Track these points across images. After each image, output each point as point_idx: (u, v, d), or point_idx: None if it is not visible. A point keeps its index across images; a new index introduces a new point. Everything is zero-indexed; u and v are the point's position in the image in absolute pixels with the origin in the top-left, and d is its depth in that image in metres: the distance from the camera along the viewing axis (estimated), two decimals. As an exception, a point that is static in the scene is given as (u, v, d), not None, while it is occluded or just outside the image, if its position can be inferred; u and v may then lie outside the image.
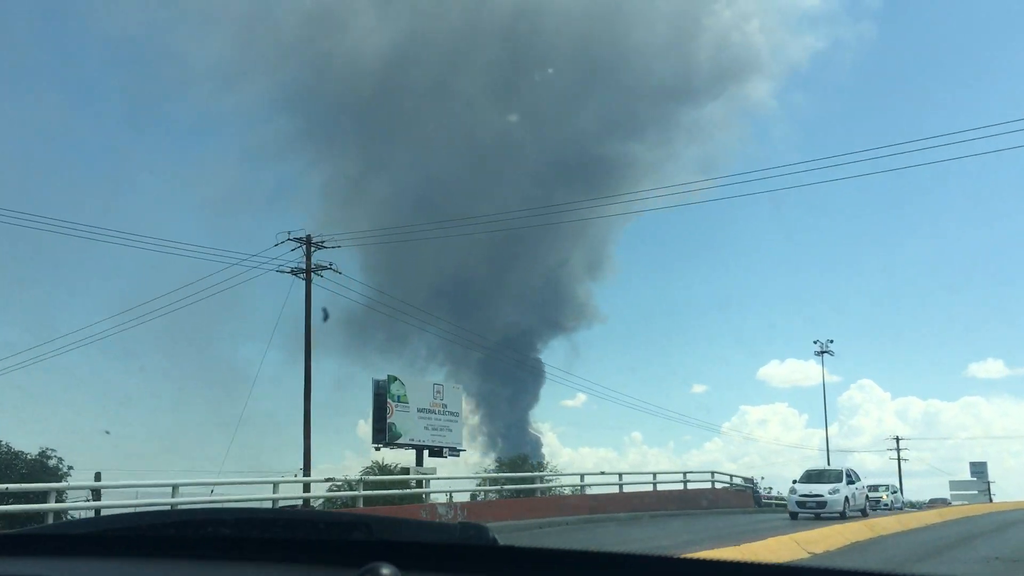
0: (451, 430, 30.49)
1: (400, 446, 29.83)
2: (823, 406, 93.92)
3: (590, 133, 55.92)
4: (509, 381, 49.56)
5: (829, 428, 54.33)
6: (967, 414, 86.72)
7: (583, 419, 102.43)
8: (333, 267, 27.62)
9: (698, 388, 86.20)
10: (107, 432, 37.49)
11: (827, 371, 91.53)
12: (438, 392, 30.45)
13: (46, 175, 62.73)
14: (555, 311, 55.27)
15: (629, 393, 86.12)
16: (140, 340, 50.94)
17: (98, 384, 54.57)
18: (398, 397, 29.38)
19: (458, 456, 31.26)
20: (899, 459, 64.72)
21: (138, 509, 13.69)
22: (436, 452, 30.27)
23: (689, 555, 1.28)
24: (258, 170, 79.11)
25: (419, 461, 30.02)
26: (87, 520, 1.86)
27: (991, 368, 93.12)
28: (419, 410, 29.71)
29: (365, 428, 34.85)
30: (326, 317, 30.25)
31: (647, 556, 1.28)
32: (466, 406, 53.30)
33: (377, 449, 29.66)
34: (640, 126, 58.55)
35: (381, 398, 29.30)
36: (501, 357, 46.51)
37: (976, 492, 61.60)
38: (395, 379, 29.68)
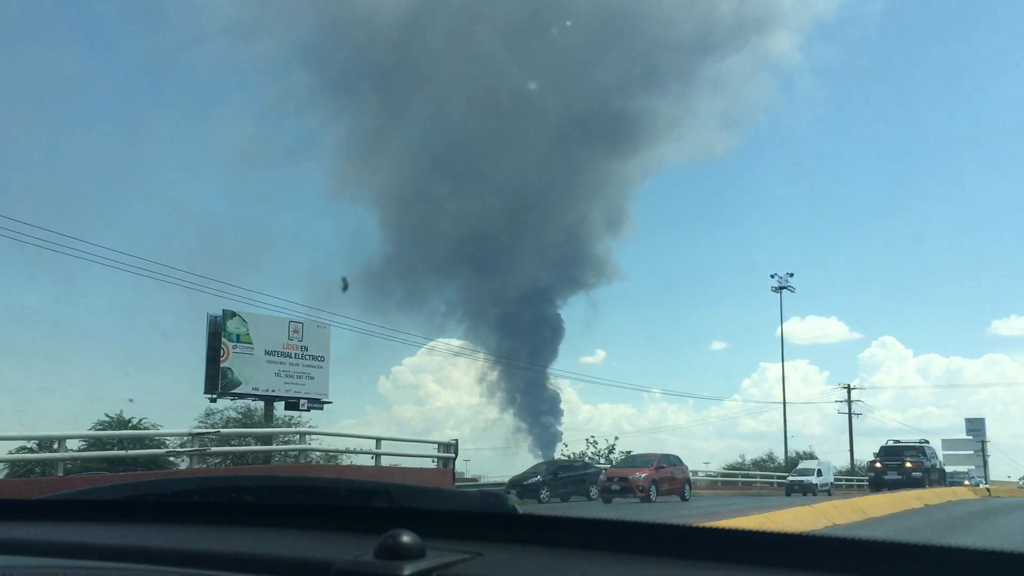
0: (313, 378, 30.01)
1: (240, 396, 29.35)
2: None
3: (610, 88, 61.72)
4: (528, 337, 56.95)
5: (851, 383, 58.74)
6: (990, 371, 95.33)
7: (603, 375, 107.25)
8: None
9: (717, 345, 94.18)
10: None
11: (848, 328, 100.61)
12: (295, 331, 29.79)
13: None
14: (575, 268, 62.36)
15: (648, 349, 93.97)
16: None
17: None
18: (237, 336, 28.71)
19: (322, 409, 30.75)
20: (850, 413, 59.21)
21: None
22: (292, 404, 29.75)
23: (717, 524, 1.43)
24: (276, 125, 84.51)
25: (268, 416, 29.75)
26: (110, 487, 2.06)
27: (1015, 325, 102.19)
28: (267, 352, 29.15)
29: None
30: (345, 287, 33.69)
31: (676, 526, 1.41)
32: (484, 361, 57.46)
33: (213, 400, 29.09)
34: (661, 80, 64.75)
35: (216, 338, 28.56)
36: (520, 313, 55.31)
37: (972, 453, 59.37)
38: (233, 315, 28.89)
